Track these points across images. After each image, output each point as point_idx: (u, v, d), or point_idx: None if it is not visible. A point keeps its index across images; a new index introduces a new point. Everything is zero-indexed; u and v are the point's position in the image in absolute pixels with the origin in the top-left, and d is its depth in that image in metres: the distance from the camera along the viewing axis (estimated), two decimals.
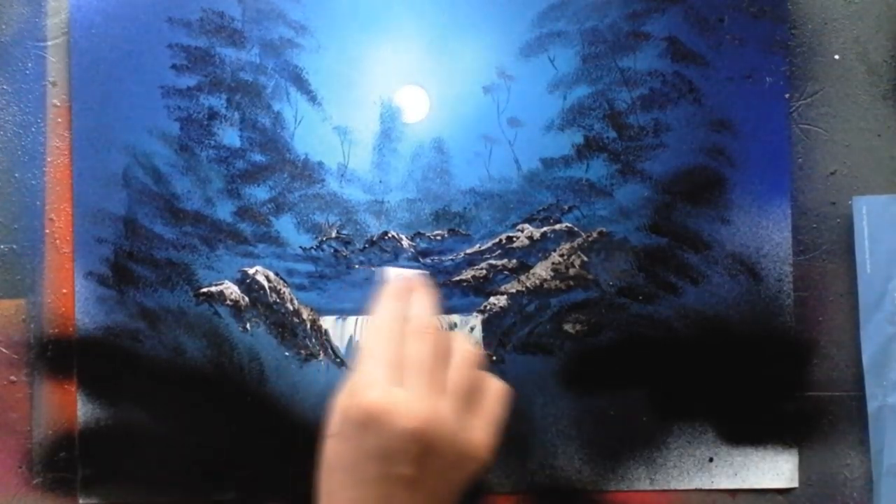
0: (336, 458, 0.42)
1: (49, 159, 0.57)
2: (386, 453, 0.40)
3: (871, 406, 0.57)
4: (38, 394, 0.57)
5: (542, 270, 0.58)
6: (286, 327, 0.57)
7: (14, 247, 0.57)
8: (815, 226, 0.58)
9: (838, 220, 0.58)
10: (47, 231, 0.57)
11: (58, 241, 0.57)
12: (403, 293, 0.45)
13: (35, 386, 0.57)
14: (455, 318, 0.58)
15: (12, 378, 0.57)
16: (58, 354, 0.57)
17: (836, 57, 0.58)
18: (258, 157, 0.58)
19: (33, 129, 0.57)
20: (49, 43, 0.57)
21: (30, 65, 0.57)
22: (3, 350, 0.57)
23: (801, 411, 0.58)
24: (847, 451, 0.58)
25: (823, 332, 0.58)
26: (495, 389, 0.44)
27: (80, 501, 0.57)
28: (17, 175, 0.57)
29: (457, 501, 0.42)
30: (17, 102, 0.57)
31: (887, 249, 0.56)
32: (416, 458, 0.40)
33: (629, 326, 0.58)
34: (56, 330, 0.57)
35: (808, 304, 0.58)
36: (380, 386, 0.41)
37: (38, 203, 0.57)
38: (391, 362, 0.42)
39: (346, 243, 0.58)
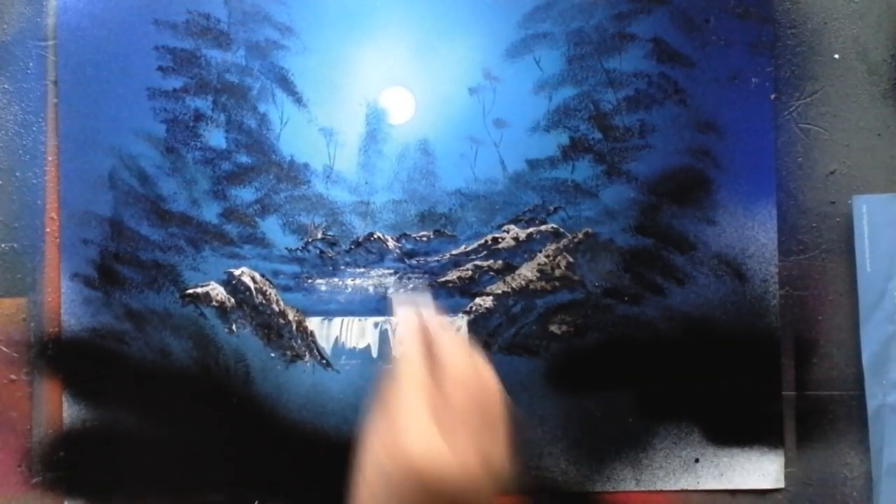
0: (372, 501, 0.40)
1: (49, 158, 0.57)
2: None
3: (871, 405, 0.57)
4: (38, 392, 0.57)
5: (527, 271, 0.58)
6: (272, 328, 0.57)
7: (15, 245, 0.57)
8: (814, 225, 0.58)
9: (838, 220, 0.58)
10: (47, 230, 0.57)
11: (58, 241, 0.57)
12: (424, 329, 0.45)
13: (35, 385, 0.57)
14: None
15: (12, 377, 0.57)
16: (58, 353, 0.57)
17: (836, 56, 0.58)
18: (244, 159, 0.58)
19: (34, 129, 0.57)
20: (50, 42, 0.57)
21: (31, 64, 0.58)
22: (4, 349, 0.57)
23: (800, 411, 0.58)
24: (847, 451, 0.58)
25: (823, 332, 0.58)
26: (503, 407, 0.43)
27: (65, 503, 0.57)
28: (18, 174, 0.57)
29: None
30: (19, 102, 0.57)
31: (887, 249, 0.56)
32: None
33: (615, 327, 0.58)
34: (56, 329, 0.57)
35: (807, 303, 0.58)
36: (425, 439, 0.39)
37: (38, 202, 0.57)
38: (429, 409, 0.41)
39: (332, 244, 0.58)
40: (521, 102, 0.58)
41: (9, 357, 0.57)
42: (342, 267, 0.58)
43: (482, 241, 0.58)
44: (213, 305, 0.57)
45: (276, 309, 0.57)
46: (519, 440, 0.56)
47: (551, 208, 0.58)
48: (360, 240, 0.58)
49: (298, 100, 0.57)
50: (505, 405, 0.43)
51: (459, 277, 0.58)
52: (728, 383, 0.57)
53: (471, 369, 0.43)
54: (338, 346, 0.57)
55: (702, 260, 0.58)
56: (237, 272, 0.57)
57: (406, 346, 0.44)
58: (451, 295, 0.58)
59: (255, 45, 0.57)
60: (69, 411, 0.57)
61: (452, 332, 0.45)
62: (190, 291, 0.57)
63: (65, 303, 0.57)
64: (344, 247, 0.58)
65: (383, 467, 0.40)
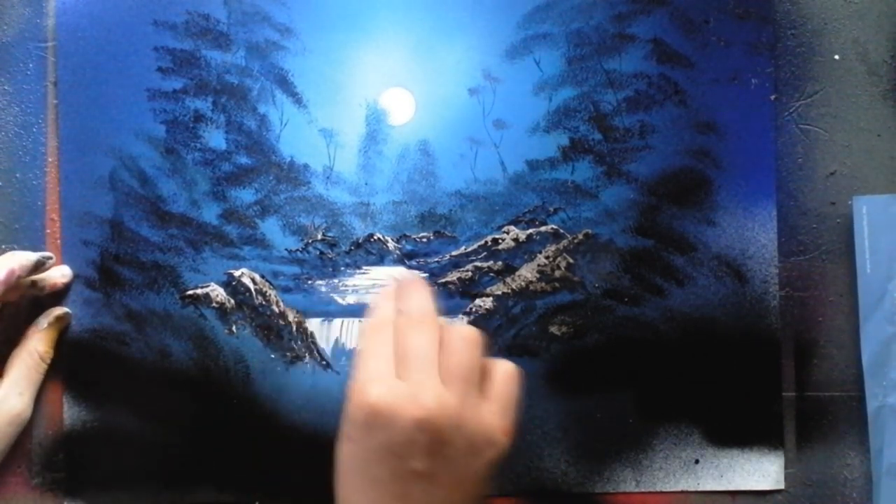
0: (347, 460, 0.41)
1: (50, 160, 0.57)
2: (395, 449, 0.39)
3: (871, 406, 0.57)
4: (39, 394, 0.57)
5: (527, 272, 0.58)
6: (272, 329, 0.57)
7: (15, 247, 0.57)
8: (815, 226, 0.58)
9: (838, 220, 0.58)
10: (48, 231, 0.57)
11: (58, 242, 0.57)
12: (397, 293, 0.45)
13: None
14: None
15: None
16: (58, 354, 0.57)
17: (836, 57, 0.58)
18: (244, 160, 0.58)
19: (34, 130, 0.57)
20: (50, 44, 0.57)
21: (31, 65, 0.57)
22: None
23: (800, 411, 0.58)
24: (847, 451, 0.58)
25: (823, 332, 0.58)
26: (503, 370, 0.43)
27: None
28: (18, 175, 0.57)
29: (482, 490, 0.41)
30: (19, 103, 0.57)
31: (887, 249, 0.56)
32: (426, 450, 0.39)
33: (615, 328, 0.58)
34: None
35: (807, 304, 0.58)
36: (381, 381, 0.40)
37: (38, 203, 0.57)
38: (391, 357, 0.41)
39: (332, 245, 0.58)
40: (521, 103, 0.58)
41: None
42: (342, 268, 0.58)
43: (482, 242, 0.58)
44: (213, 307, 0.57)
45: (276, 310, 0.57)
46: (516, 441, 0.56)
47: (551, 209, 0.58)
48: (360, 241, 0.58)
49: (298, 101, 0.57)
50: (491, 364, 0.43)
51: (459, 278, 0.58)
52: (728, 384, 0.58)
53: (428, 310, 0.43)
54: (338, 348, 0.57)
55: (702, 261, 0.58)
56: (237, 273, 0.57)
57: (376, 304, 0.45)
58: (451, 296, 0.58)
59: (254, 46, 0.57)
60: (69, 412, 0.57)
61: (424, 293, 0.45)
62: (190, 293, 0.57)
63: (65, 304, 0.57)
64: (344, 248, 0.58)
65: (349, 415, 0.41)
